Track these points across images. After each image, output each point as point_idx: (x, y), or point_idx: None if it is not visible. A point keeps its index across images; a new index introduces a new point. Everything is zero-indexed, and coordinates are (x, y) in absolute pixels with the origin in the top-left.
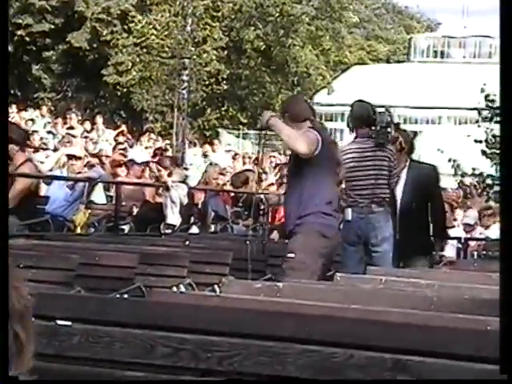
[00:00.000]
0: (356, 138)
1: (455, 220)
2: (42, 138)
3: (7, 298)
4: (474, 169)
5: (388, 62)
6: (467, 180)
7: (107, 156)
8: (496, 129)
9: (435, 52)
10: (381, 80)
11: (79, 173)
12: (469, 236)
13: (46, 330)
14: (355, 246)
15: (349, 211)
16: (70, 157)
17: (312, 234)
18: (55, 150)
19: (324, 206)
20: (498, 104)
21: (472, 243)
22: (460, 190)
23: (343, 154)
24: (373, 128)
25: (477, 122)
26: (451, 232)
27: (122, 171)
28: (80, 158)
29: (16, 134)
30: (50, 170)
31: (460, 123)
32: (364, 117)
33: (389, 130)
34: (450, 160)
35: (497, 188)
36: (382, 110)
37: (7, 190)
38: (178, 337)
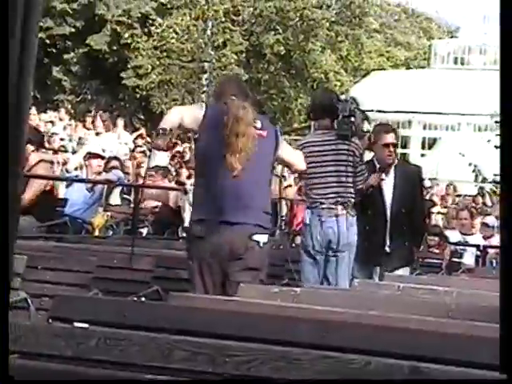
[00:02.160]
0: (316, 130)
1: (474, 227)
2: (62, 139)
3: (7, 297)
4: (495, 175)
5: (408, 68)
6: (487, 186)
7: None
8: None
9: (455, 58)
10: (400, 86)
11: (99, 173)
12: (487, 243)
13: (64, 332)
14: (314, 258)
15: (308, 213)
16: (92, 156)
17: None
18: (74, 152)
19: (197, 198)
20: None
21: (491, 251)
22: (479, 196)
23: (301, 147)
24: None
25: (497, 128)
26: (470, 239)
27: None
28: (103, 158)
29: (32, 134)
30: (75, 169)
31: (480, 130)
32: (325, 106)
33: (352, 119)
34: (470, 164)
35: None
36: (347, 98)
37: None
38: (196, 341)
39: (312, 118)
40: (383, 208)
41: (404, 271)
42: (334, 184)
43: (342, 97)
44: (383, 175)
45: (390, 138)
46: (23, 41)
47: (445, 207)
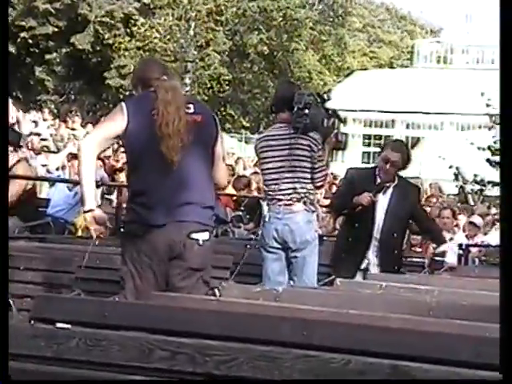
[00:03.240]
0: (275, 123)
1: (457, 226)
2: (45, 139)
3: (7, 297)
4: (475, 175)
5: (391, 67)
6: (468, 187)
7: (108, 158)
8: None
9: (438, 58)
10: (383, 85)
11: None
12: (470, 242)
13: (45, 333)
14: (274, 254)
15: (264, 210)
16: (75, 156)
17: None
18: (57, 152)
19: (131, 196)
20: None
21: (473, 249)
22: (461, 195)
23: (258, 142)
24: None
25: (479, 127)
26: (453, 238)
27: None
28: None
29: (10, 135)
30: (57, 169)
31: (462, 129)
32: (286, 99)
33: (306, 112)
34: (450, 167)
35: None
36: (305, 91)
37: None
38: (176, 341)
39: (274, 112)
40: (371, 225)
41: None
42: (290, 180)
43: (306, 91)
44: (378, 195)
45: (391, 155)
46: None
47: (428, 206)
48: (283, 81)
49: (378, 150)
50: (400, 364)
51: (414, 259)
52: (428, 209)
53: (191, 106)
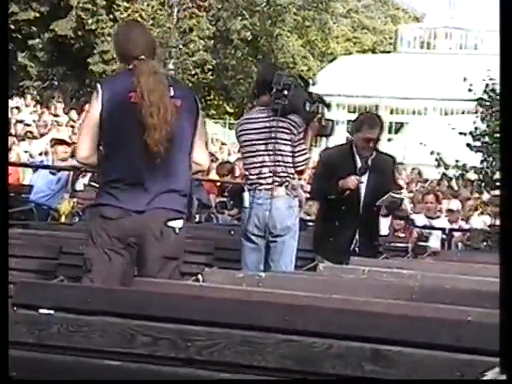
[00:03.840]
0: (256, 106)
1: (440, 211)
2: (28, 125)
3: (7, 297)
4: (457, 161)
5: (374, 52)
6: (451, 172)
7: None
8: (478, 121)
9: (422, 43)
10: (367, 70)
11: (64, 159)
12: (453, 226)
13: (27, 319)
14: (253, 243)
15: (245, 195)
16: (58, 142)
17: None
18: (40, 138)
19: (105, 180)
20: (479, 95)
21: (456, 234)
22: (444, 181)
23: (238, 125)
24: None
25: (463, 113)
26: (436, 222)
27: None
28: (69, 144)
29: None
30: (40, 155)
31: (446, 114)
32: (266, 82)
33: (285, 93)
34: (432, 153)
35: (476, 179)
36: (284, 72)
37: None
38: (158, 326)
39: (255, 95)
40: (357, 206)
41: None
42: (270, 163)
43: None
44: (362, 178)
45: (372, 132)
46: None
47: (410, 191)
48: (265, 63)
49: None
50: (381, 348)
51: (398, 244)
52: (410, 194)
53: (171, 88)
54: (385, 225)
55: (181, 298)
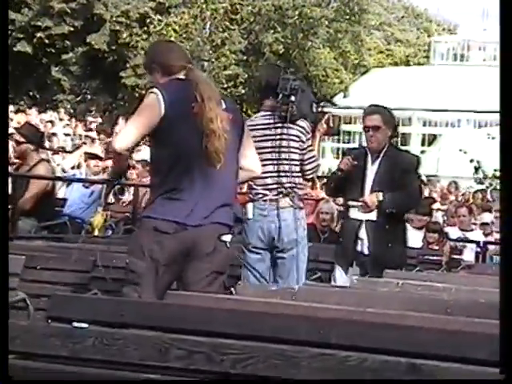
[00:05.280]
0: (260, 111)
1: (475, 224)
2: (60, 141)
3: (7, 297)
4: (495, 170)
5: (408, 64)
6: (487, 182)
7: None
8: None
9: (455, 55)
10: (400, 83)
11: (97, 173)
12: (488, 239)
13: (60, 332)
14: (258, 254)
15: (249, 207)
16: (91, 156)
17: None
18: (73, 151)
19: (162, 192)
20: None
21: (491, 247)
22: (479, 193)
23: None
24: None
25: (497, 125)
26: (470, 235)
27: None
28: (101, 159)
29: (31, 134)
30: (72, 168)
31: (480, 126)
32: (270, 84)
33: (292, 99)
34: (472, 161)
35: None
36: (290, 75)
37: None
38: (192, 339)
39: (260, 99)
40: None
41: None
42: (275, 173)
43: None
44: (370, 169)
45: (367, 120)
46: None
47: (444, 204)
48: (267, 64)
49: None
50: (417, 362)
51: (432, 257)
52: (445, 206)
53: (222, 101)
54: (418, 238)
55: (215, 312)
